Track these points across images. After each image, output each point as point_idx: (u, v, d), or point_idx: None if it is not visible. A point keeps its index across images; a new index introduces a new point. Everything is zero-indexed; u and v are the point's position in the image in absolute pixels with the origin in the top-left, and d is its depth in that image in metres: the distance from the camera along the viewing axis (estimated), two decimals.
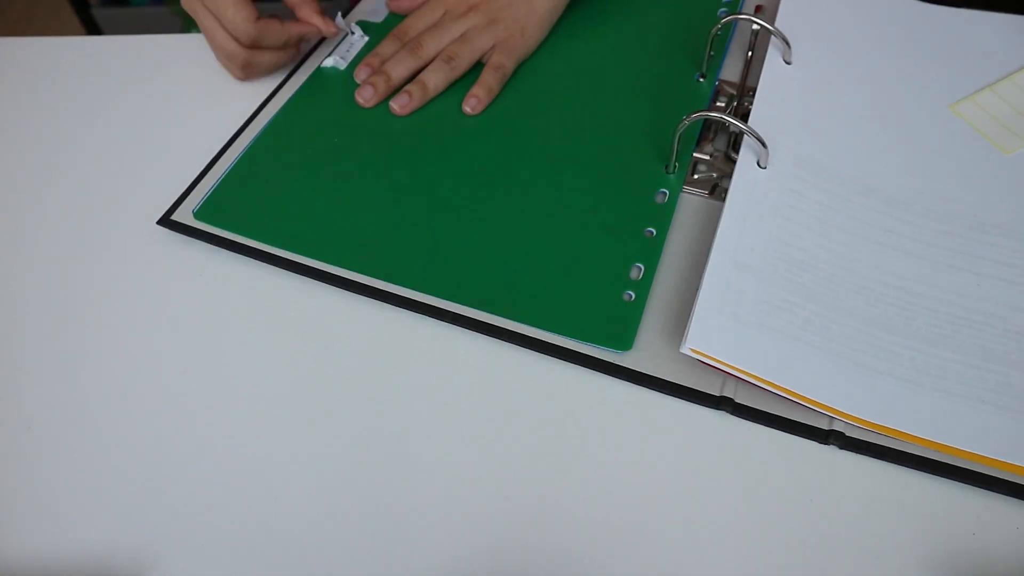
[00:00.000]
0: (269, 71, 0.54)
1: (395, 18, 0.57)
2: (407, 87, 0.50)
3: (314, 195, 0.46)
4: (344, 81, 0.53)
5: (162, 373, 0.40)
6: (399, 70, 0.51)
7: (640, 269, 0.41)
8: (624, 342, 0.38)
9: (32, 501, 0.36)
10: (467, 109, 0.50)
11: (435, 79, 0.51)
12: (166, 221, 0.45)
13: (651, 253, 0.42)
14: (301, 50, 0.56)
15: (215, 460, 0.37)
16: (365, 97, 0.50)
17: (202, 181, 0.47)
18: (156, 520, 0.35)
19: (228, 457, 0.37)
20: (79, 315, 0.43)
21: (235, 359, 0.40)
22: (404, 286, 0.41)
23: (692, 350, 0.35)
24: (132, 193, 0.48)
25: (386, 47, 0.53)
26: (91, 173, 0.50)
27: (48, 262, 0.45)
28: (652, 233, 0.42)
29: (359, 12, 0.59)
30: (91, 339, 0.42)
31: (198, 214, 0.45)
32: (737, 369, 0.35)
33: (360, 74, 0.52)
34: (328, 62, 0.54)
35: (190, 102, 0.54)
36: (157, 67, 0.57)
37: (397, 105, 0.50)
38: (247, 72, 0.53)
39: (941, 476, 0.34)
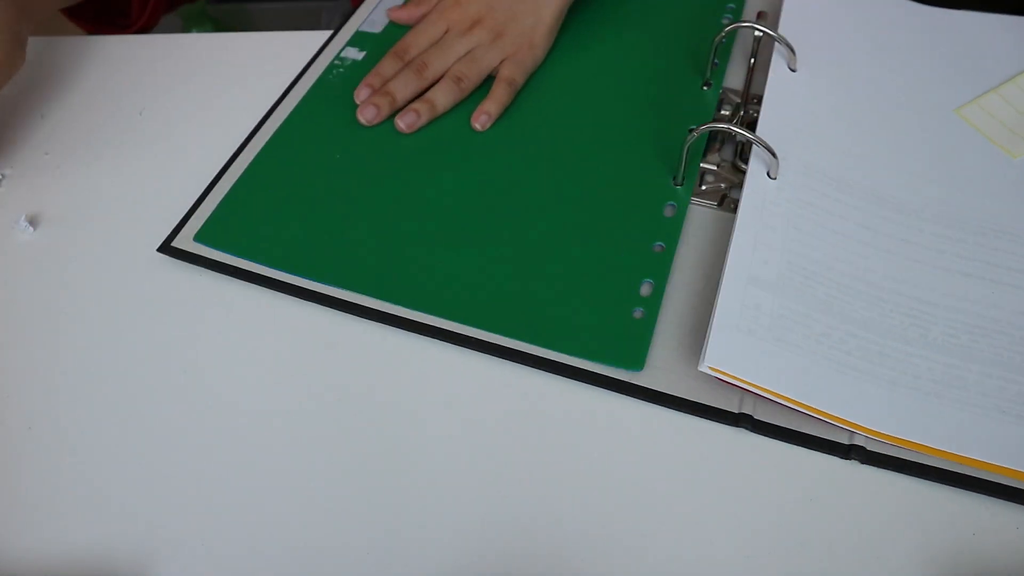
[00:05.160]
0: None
1: (394, 28, 0.57)
2: (414, 105, 0.49)
3: (315, 214, 0.45)
4: (344, 95, 0.52)
5: (162, 376, 0.40)
6: (404, 92, 0.50)
7: (650, 285, 0.40)
8: (636, 361, 0.37)
9: (32, 501, 0.36)
10: (477, 126, 0.49)
11: (444, 99, 0.50)
12: (167, 248, 0.45)
13: (661, 268, 0.41)
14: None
15: (215, 461, 0.37)
16: (368, 117, 0.49)
17: (202, 205, 0.46)
18: (156, 520, 0.35)
19: (228, 458, 0.37)
20: (82, 322, 0.42)
21: (236, 373, 0.40)
22: (408, 307, 0.40)
23: (711, 368, 0.35)
24: (131, 214, 0.48)
25: (387, 66, 0.51)
26: (89, 190, 0.49)
27: (51, 271, 0.45)
28: (662, 248, 0.42)
29: (356, 22, 0.58)
30: (93, 345, 0.41)
31: (198, 237, 0.44)
32: (756, 386, 0.35)
33: (360, 94, 0.50)
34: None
35: (190, 106, 0.53)
36: (157, 67, 0.56)
37: (404, 124, 0.49)
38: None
39: (962, 488, 0.34)
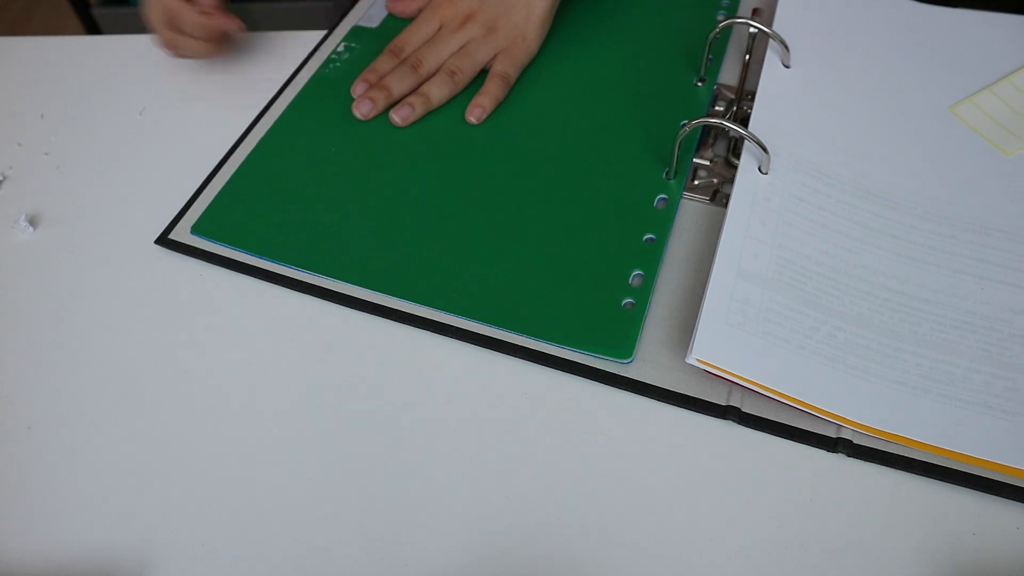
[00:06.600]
0: (195, 57, 0.54)
1: (390, 23, 0.57)
2: (408, 99, 0.50)
3: (310, 206, 0.46)
4: (340, 90, 0.52)
5: (162, 373, 0.40)
6: (400, 86, 0.51)
7: (640, 276, 0.41)
8: (624, 351, 0.38)
9: (32, 501, 0.36)
10: (471, 119, 0.49)
11: (438, 93, 0.50)
12: (164, 240, 0.45)
13: (651, 260, 0.41)
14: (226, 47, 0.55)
15: (215, 461, 0.37)
16: (363, 111, 0.50)
17: (199, 198, 0.47)
18: (156, 520, 0.35)
19: (228, 458, 0.37)
20: (81, 322, 0.43)
21: (234, 366, 0.40)
22: (400, 298, 0.41)
23: (698, 360, 0.35)
24: (130, 213, 0.48)
25: (383, 63, 0.52)
26: (89, 189, 0.50)
27: (51, 271, 0.45)
28: (652, 239, 0.42)
29: (354, 17, 0.59)
30: (92, 344, 0.42)
31: (195, 229, 0.45)
32: (744, 379, 0.35)
33: (357, 88, 0.51)
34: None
35: (189, 105, 0.54)
36: (157, 66, 0.57)
37: (399, 117, 0.49)
38: (173, 52, 0.53)
39: (947, 482, 0.34)
